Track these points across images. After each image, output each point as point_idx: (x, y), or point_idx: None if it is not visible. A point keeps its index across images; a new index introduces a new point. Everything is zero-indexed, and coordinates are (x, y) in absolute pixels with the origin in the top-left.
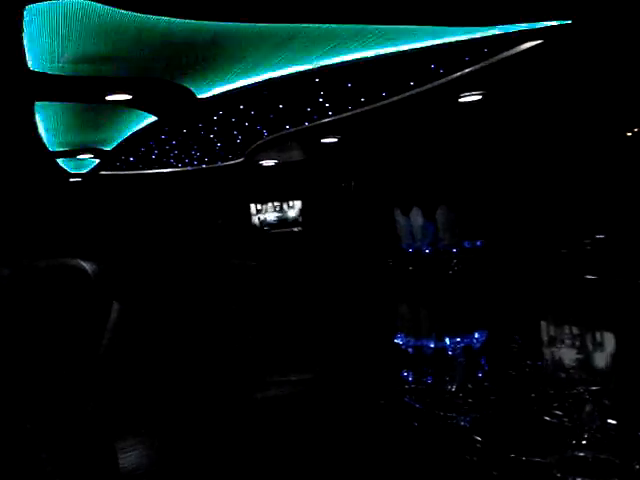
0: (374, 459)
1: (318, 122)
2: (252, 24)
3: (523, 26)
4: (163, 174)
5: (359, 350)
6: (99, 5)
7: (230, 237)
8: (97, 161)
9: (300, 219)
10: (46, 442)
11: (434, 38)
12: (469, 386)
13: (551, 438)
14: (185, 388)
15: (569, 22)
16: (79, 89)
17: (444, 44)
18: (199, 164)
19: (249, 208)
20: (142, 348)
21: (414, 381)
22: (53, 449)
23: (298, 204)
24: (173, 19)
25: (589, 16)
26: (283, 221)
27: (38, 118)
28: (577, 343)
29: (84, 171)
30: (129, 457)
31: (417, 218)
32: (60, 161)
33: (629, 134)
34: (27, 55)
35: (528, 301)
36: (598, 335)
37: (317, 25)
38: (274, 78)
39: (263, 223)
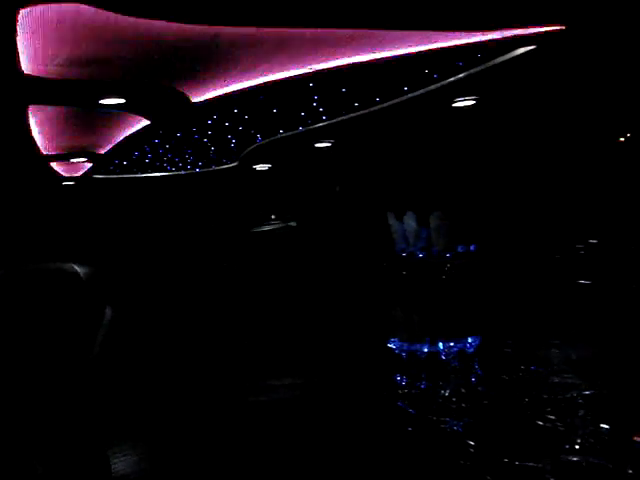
0: (368, 464)
1: (312, 127)
2: (247, 28)
3: (517, 32)
4: (156, 178)
5: (353, 354)
6: (93, 9)
7: (224, 241)
8: (90, 165)
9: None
10: (38, 446)
11: (428, 43)
12: (462, 391)
13: (544, 443)
14: (178, 392)
15: (562, 28)
16: (73, 93)
17: (438, 49)
18: (193, 168)
19: (244, 212)
20: (135, 352)
21: (407, 386)
22: (45, 453)
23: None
24: (167, 23)
25: (582, 22)
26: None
27: (32, 121)
28: (570, 348)
29: (77, 175)
30: (121, 462)
31: (411, 223)
32: (53, 164)
33: (622, 139)
34: (21, 58)
35: (521, 306)
36: (592, 339)
37: (312, 29)
38: (268, 82)
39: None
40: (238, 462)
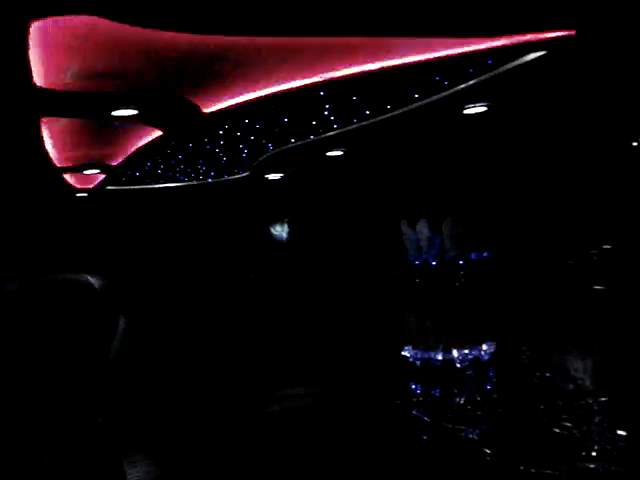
0: (383, 473)
1: (323, 135)
2: (258, 37)
3: (527, 37)
4: (169, 188)
5: (366, 362)
6: (105, 20)
7: (237, 250)
8: (104, 176)
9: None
10: (54, 456)
11: (438, 50)
12: (478, 398)
13: (561, 450)
14: (192, 402)
15: (573, 33)
16: (85, 104)
17: (448, 56)
18: (205, 178)
19: (256, 221)
20: (149, 362)
21: (422, 394)
22: (60, 463)
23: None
24: (179, 33)
25: (593, 27)
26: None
27: (44, 134)
28: (586, 353)
29: (91, 186)
30: (135, 471)
31: (423, 230)
32: (67, 176)
33: (635, 144)
34: (33, 71)
35: (536, 312)
36: (606, 345)
37: (323, 38)
38: (279, 92)
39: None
40: (250, 472)
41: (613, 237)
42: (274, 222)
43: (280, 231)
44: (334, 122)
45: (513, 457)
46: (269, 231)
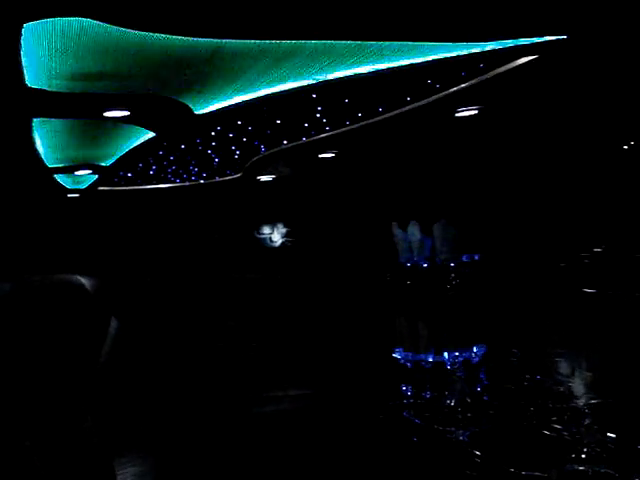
0: (373, 475)
1: (315, 137)
2: (250, 40)
3: (519, 41)
4: (161, 189)
5: (358, 365)
6: (96, 22)
7: (229, 251)
8: (95, 177)
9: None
10: (43, 457)
11: (430, 54)
12: (468, 400)
13: (550, 452)
14: (184, 403)
15: (565, 37)
16: (77, 106)
17: (440, 60)
18: (197, 179)
19: (248, 223)
20: (140, 363)
21: (413, 396)
22: (51, 464)
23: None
24: (171, 36)
25: (585, 31)
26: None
27: (36, 134)
28: (576, 356)
29: (82, 187)
30: (127, 473)
31: (415, 232)
32: (58, 177)
33: (625, 147)
34: (25, 72)
35: (526, 315)
36: (597, 348)
37: (315, 42)
38: (272, 94)
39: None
40: (243, 474)
41: (604, 240)
42: (261, 226)
43: (268, 234)
44: (326, 124)
45: (503, 459)
46: (255, 235)
